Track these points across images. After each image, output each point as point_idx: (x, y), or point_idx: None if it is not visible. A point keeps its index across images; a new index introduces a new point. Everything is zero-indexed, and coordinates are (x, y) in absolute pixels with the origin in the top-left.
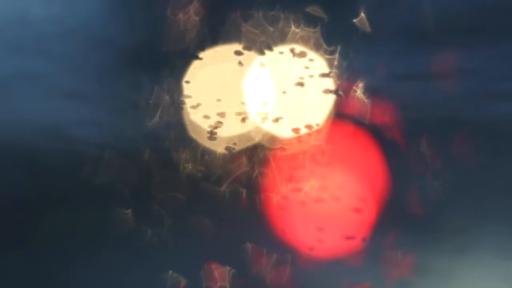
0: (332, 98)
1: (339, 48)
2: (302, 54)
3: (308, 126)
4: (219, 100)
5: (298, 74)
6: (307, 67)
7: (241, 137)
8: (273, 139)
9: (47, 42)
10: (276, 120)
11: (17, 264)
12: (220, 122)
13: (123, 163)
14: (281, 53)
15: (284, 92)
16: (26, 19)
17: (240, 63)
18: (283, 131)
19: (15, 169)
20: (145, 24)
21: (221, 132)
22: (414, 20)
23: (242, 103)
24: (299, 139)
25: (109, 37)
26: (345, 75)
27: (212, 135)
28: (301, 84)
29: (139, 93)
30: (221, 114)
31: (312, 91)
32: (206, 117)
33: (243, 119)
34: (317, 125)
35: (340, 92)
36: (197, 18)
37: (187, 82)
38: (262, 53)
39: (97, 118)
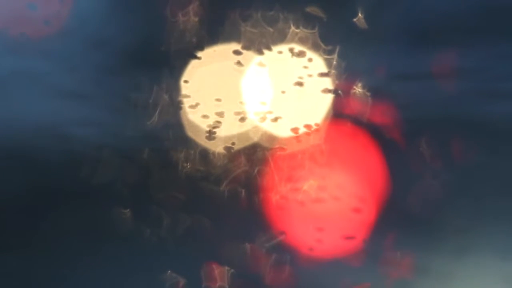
0: (331, 97)
1: (338, 47)
2: (301, 54)
3: (307, 126)
4: (218, 99)
5: (297, 73)
6: (306, 67)
7: (240, 136)
8: (272, 138)
9: (47, 42)
10: (275, 119)
11: (17, 264)
12: (218, 122)
13: (122, 163)
14: (280, 52)
15: (283, 92)
16: (26, 19)
17: (239, 62)
18: (282, 131)
19: (14, 169)
20: (144, 24)
21: (220, 132)
22: (414, 20)
23: (241, 102)
24: (298, 138)
25: (108, 36)
26: (344, 75)
27: (211, 134)
28: (300, 84)
29: (138, 92)
30: (220, 114)
31: (311, 90)
32: (205, 116)
33: (242, 119)
34: (316, 124)
35: (339, 92)
36: (196, 18)
37: (186, 81)
38: (261, 52)
39: (96, 118)
